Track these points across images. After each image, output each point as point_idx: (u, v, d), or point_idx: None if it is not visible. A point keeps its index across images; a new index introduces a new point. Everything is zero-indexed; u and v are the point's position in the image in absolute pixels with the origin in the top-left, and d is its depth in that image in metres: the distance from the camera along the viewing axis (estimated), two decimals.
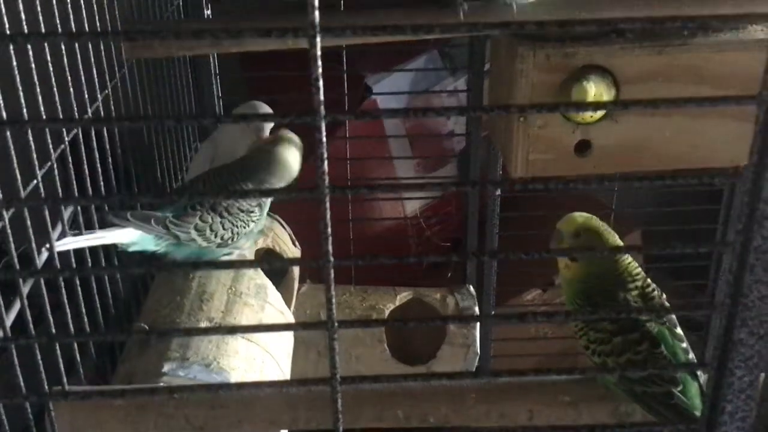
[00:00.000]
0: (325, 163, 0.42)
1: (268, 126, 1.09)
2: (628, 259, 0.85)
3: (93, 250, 0.93)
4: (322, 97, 0.40)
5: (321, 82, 0.40)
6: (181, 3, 1.31)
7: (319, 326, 0.47)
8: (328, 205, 0.43)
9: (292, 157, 1.03)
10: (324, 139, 0.41)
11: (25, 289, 0.71)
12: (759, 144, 0.40)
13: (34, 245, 0.71)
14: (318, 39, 0.39)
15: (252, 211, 0.96)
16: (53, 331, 0.73)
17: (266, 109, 1.12)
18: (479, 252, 0.75)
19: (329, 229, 0.44)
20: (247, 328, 0.43)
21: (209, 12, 1.30)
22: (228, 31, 0.39)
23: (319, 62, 0.40)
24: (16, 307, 0.71)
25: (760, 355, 0.45)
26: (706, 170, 1.08)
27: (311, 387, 0.76)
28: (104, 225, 0.88)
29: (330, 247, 0.44)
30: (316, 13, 0.38)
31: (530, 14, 1.05)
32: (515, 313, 0.49)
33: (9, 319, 0.70)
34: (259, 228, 1.01)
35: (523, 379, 0.75)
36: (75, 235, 0.84)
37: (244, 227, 0.95)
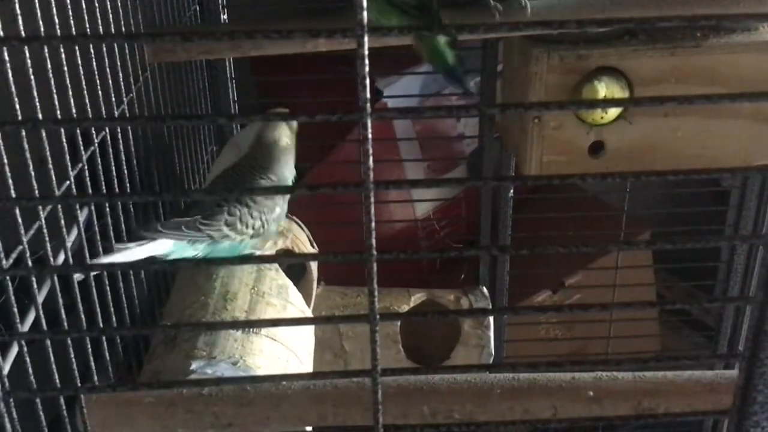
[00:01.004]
0: (371, 159, 0.44)
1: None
2: None
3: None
4: (368, 95, 0.42)
5: (367, 81, 0.41)
6: (197, 9, 1.32)
7: (360, 319, 0.48)
8: (372, 199, 0.44)
9: (278, 134, 1.04)
10: (370, 136, 0.43)
11: (44, 292, 0.72)
12: None
13: (67, 242, 0.73)
14: (366, 39, 0.40)
15: (273, 198, 0.98)
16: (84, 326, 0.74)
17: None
18: (500, 246, 0.75)
19: (373, 224, 0.45)
20: (294, 321, 0.45)
21: (225, 17, 1.32)
22: (279, 32, 0.40)
23: (367, 61, 0.41)
24: (42, 297, 0.72)
25: None
26: (719, 169, 1.09)
27: (338, 383, 0.77)
28: (134, 237, 0.87)
29: (373, 241, 0.45)
30: (365, 13, 0.39)
31: (544, 15, 1.06)
32: (534, 306, 0.50)
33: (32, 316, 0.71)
34: (282, 218, 1.02)
35: (547, 376, 0.76)
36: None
37: (271, 212, 0.96)
